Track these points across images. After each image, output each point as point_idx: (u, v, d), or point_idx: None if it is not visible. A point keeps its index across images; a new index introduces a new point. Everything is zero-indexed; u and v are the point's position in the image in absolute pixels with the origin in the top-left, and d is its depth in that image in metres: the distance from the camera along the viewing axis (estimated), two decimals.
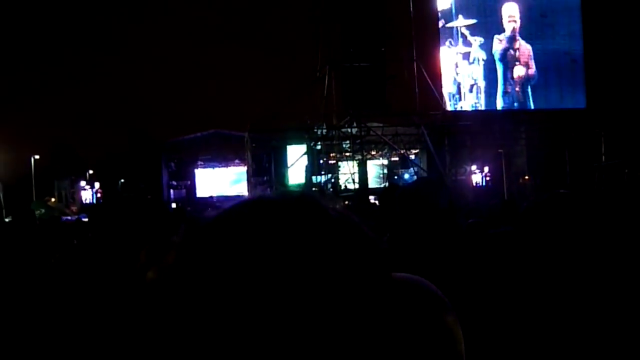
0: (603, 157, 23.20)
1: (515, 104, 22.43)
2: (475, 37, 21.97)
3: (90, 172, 45.32)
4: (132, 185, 33.23)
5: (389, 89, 21.87)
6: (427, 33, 22.22)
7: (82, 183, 44.18)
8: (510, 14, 22.19)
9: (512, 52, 22.24)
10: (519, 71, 22.31)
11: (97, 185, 42.95)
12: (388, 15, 21.78)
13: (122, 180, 38.23)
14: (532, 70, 22.35)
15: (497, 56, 22.11)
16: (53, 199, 37.08)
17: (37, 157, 40.27)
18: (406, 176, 23.46)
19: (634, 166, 21.77)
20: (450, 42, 21.87)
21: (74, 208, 34.89)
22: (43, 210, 21.07)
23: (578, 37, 22.81)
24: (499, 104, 22.24)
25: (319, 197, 0.76)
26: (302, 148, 23.14)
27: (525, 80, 22.34)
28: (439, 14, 21.78)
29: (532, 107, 22.55)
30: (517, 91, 22.27)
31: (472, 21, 21.88)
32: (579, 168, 23.20)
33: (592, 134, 23.13)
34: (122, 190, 37.11)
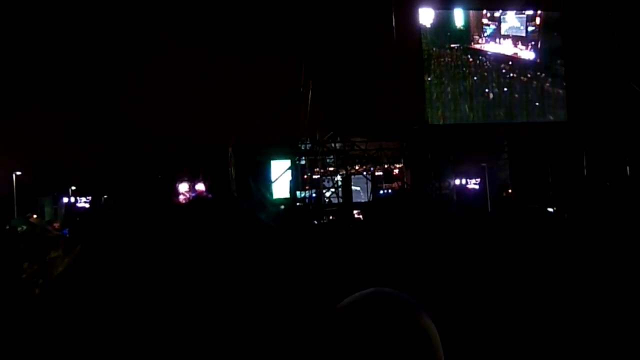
0: (585, 170, 23.39)
1: (490, 119, 22.61)
2: (455, 50, 22.19)
3: (73, 188, 44.98)
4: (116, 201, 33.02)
5: (373, 104, 21.96)
6: (410, 48, 22.36)
7: (65, 199, 43.84)
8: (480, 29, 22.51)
9: (482, 65, 22.47)
10: (488, 86, 22.52)
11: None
12: (371, 31, 21.91)
13: (105, 196, 38.02)
14: (505, 84, 22.60)
15: (467, 71, 22.31)
16: (35, 216, 36.70)
17: (18, 173, 39.88)
18: (390, 191, 23.48)
19: (615, 179, 21.98)
20: (430, 56, 22.04)
21: (56, 224, 34.53)
22: (25, 227, 20.86)
23: (558, 51, 23.08)
24: (476, 117, 22.43)
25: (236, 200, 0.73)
26: (286, 163, 23.12)
27: (496, 94, 22.54)
28: (421, 29, 21.94)
29: (510, 121, 22.75)
30: (491, 105, 22.48)
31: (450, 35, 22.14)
32: (561, 181, 23.37)
33: (574, 147, 23.33)
34: (105, 206, 36.85)
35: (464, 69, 22.28)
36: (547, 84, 22.96)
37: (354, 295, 0.88)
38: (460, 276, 1.71)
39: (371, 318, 0.83)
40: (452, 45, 22.19)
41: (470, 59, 22.32)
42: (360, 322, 0.82)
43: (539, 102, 22.88)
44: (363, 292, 0.89)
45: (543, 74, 22.91)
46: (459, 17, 22.38)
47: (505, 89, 22.60)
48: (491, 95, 22.50)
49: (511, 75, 22.61)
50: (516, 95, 22.66)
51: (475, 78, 22.34)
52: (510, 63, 22.60)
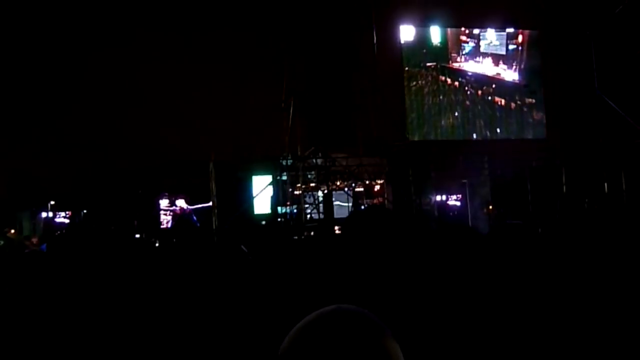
0: (564, 187, 23.57)
1: (471, 136, 22.75)
2: (434, 68, 22.33)
3: (52, 202, 44.41)
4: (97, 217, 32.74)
5: (354, 120, 22.04)
6: (391, 64, 22.46)
7: (44, 214, 43.31)
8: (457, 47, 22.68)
9: (462, 83, 22.63)
10: (469, 103, 22.68)
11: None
12: (352, 47, 22.02)
13: (85, 211, 37.65)
14: (483, 102, 22.76)
15: (447, 88, 22.45)
16: (12, 231, 36.26)
17: None
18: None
19: (593, 196, 22.18)
20: (409, 71, 22.14)
21: (34, 240, 34.12)
22: (2, 242, 20.68)
23: (538, 69, 23.34)
24: (457, 134, 22.55)
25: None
26: (268, 178, 23.07)
27: (473, 112, 22.68)
28: (402, 46, 22.05)
29: (491, 138, 22.89)
30: (471, 122, 22.62)
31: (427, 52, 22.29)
32: (541, 198, 23.51)
33: (553, 164, 23.52)
34: (84, 222, 36.52)
35: (444, 88, 22.41)
36: (527, 102, 23.17)
37: (316, 312, 0.86)
38: (427, 293, 1.70)
39: (331, 335, 0.81)
40: (431, 63, 22.32)
41: (449, 77, 22.47)
42: (321, 339, 0.80)
43: (518, 120, 23.08)
44: (325, 309, 0.87)
45: (523, 92, 23.12)
46: (437, 34, 22.53)
47: (486, 106, 22.75)
48: (472, 113, 22.64)
49: (491, 92, 22.79)
50: (497, 113, 22.83)
51: (455, 96, 22.48)
52: (493, 85, 22.79)
